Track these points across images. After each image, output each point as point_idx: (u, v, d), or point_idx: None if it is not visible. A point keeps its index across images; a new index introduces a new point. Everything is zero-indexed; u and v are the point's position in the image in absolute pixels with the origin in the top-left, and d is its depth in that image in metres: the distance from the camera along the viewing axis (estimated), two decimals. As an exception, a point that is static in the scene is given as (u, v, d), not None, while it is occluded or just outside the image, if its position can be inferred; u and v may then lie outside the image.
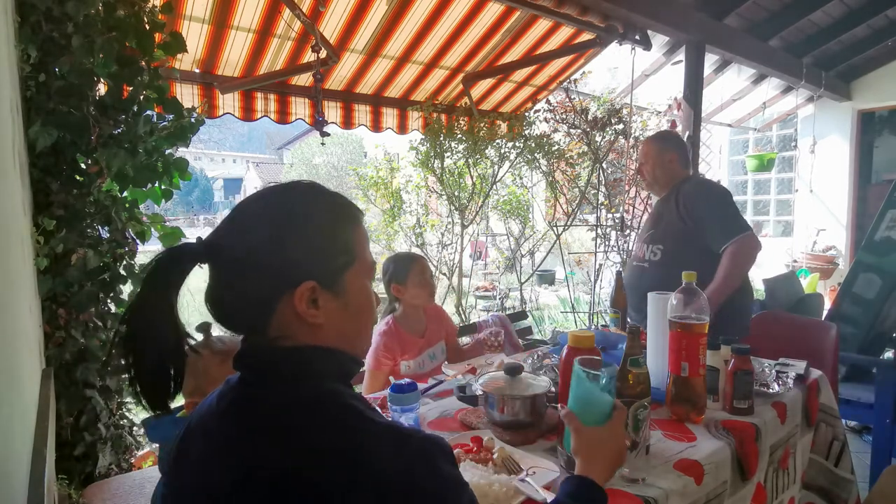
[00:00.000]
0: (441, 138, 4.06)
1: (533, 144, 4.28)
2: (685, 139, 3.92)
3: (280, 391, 0.71)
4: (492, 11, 3.34)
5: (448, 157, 4.21)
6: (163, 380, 0.72)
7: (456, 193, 4.38)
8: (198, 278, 0.77)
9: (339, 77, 3.56)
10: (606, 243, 4.76)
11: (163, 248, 0.74)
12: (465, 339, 3.34)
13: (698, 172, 2.58)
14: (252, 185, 27.36)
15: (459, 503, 0.68)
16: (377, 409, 0.83)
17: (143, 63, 1.87)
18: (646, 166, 2.50)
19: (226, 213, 0.82)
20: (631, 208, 4.72)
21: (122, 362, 0.71)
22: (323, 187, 0.80)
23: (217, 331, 1.16)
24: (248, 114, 3.27)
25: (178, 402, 0.95)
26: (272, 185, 0.80)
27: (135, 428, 2.06)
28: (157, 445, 1.21)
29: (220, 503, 0.68)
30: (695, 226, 2.25)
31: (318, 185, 0.80)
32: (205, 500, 0.70)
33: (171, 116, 1.96)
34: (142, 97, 1.86)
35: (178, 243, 0.75)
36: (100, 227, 1.85)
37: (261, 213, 0.75)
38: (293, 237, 0.73)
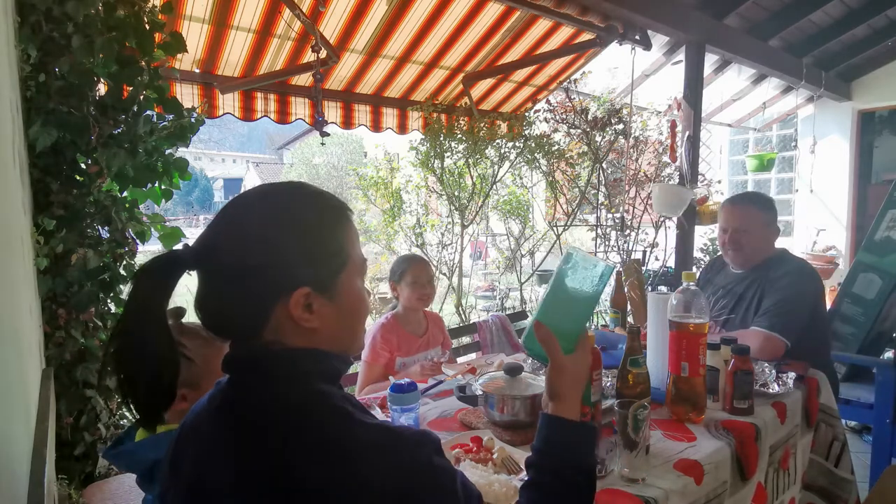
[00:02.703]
0: (441, 138, 4.06)
1: (533, 144, 4.28)
2: (685, 139, 3.91)
3: (270, 392, 0.71)
4: (492, 11, 3.34)
5: (448, 157, 4.21)
6: (158, 392, 0.70)
7: (456, 193, 4.38)
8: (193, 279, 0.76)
9: (339, 77, 3.56)
10: (606, 243, 4.76)
11: (153, 255, 0.72)
12: (465, 339, 3.35)
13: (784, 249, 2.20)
14: (252, 185, 27.29)
15: (454, 489, 0.69)
16: (368, 409, 0.83)
17: (143, 63, 1.87)
18: (745, 236, 2.12)
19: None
20: (631, 208, 4.72)
21: (115, 377, 0.69)
22: (311, 187, 0.78)
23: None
24: (248, 114, 3.27)
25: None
26: (259, 186, 0.78)
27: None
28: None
29: None
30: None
31: (305, 186, 0.78)
32: (200, 501, 0.70)
33: (171, 116, 1.96)
34: (142, 97, 1.86)
35: (165, 252, 0.72)
36: (100, 227, 1.85)
37: (252, 218, 0.73)
38: (286, 243, 0.71)
